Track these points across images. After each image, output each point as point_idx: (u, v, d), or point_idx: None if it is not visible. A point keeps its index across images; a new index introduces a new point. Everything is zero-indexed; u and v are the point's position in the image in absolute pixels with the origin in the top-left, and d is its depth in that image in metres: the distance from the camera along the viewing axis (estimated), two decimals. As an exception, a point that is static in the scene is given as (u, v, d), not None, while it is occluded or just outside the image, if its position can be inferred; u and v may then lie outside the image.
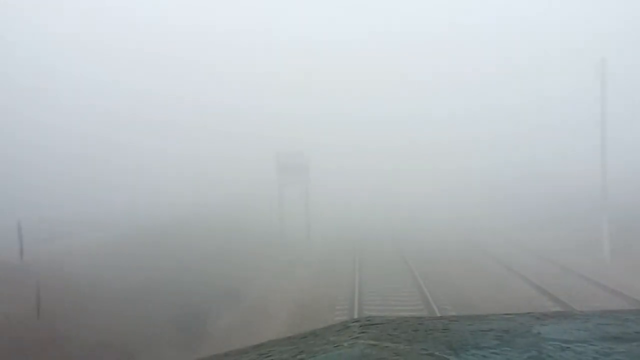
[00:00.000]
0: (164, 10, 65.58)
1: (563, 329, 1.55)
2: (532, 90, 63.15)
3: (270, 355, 1.50)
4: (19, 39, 53.12)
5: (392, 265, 22.53)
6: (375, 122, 67.71)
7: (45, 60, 54.25)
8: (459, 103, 68.44)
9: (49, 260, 17.28)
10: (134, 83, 55.79)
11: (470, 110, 66.74)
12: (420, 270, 20.36)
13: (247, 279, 19.26)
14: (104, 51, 58.19)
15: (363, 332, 1.55)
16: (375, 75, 71.33)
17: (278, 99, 61.90)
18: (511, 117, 63.18)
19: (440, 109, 68.40)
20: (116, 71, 57.41)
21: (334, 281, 19.75)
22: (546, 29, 68.02)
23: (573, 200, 35.37)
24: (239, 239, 25.83)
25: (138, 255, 19.02)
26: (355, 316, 13.72)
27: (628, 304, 14.30)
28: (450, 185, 58.29)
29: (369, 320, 1.69)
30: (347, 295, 17.22)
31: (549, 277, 18.83)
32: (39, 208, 33.71)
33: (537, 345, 1.39)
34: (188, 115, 57.77)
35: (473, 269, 21.23)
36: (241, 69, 62.53)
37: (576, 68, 54.21)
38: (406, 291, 17.87)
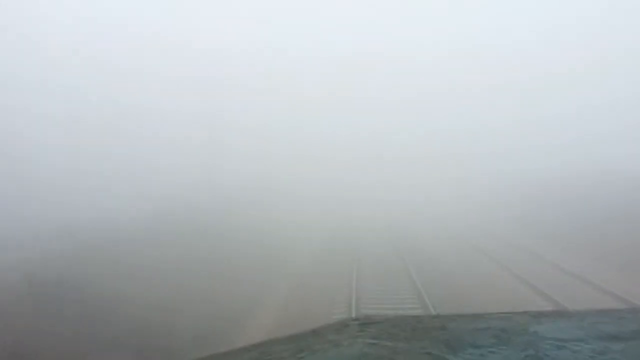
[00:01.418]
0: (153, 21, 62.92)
1: (559, 327, 1.56)
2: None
3: (271, 354, 1.50)
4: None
5: None
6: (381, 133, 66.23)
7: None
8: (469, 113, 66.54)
9: None
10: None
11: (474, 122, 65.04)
12: None
13: None
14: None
15: (362, 331, 1.56)
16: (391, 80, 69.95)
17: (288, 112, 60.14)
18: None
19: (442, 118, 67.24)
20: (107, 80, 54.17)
21: None
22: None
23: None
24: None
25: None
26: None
27: None
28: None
29: (368, 319, 1.70)
30: None
31: None
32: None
33: (534, 344, 1.40)
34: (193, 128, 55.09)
35: None
36: (245, 82, 60.77)
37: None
38: None
